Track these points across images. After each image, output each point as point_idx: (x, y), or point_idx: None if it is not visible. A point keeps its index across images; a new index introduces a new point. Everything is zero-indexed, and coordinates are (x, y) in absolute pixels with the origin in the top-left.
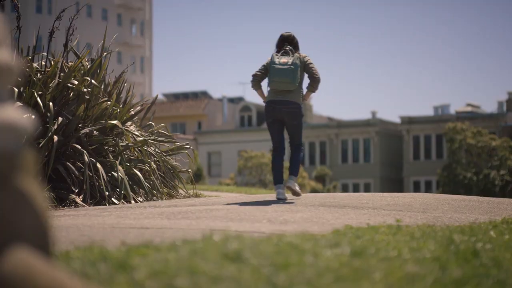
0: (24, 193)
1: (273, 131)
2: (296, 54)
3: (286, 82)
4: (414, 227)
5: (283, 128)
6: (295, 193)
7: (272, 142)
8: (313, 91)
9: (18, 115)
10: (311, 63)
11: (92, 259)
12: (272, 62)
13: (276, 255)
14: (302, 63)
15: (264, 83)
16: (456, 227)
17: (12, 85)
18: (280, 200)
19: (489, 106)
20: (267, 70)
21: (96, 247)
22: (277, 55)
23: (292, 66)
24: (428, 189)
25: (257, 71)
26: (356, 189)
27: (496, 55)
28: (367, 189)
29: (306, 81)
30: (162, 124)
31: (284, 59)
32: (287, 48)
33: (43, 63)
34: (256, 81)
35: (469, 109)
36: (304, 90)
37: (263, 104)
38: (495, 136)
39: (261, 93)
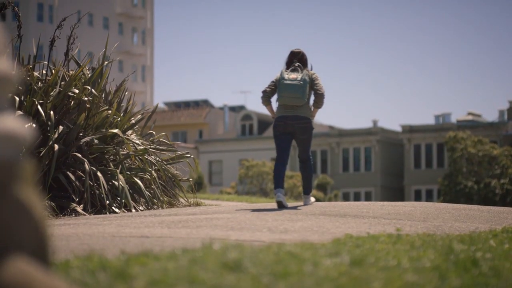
0: (23, 203)
1: (280, 143)
2: (305, 71)
3: (296, 97)
4: (414, 236)
5: (291, 141)
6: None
7: (277, 152)
8: (319, 107)
9: (17, 124)
10: (316, 79)
11: (91, 268)
12: (281, 78)
13: (276, 264)
14: (310, 80)
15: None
16: (456, 236)
17: (12, 94)
18: (280, 204)
19: (490, 115)
20: (276, 86)
21: (96, 256)
22: (286, 71)
23: (301, 82)
24: (429, 198)
25: (267, 87)
26: (357, 197)
27: (498, 64)
28: (368, 197)
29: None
30: (163, 133)
31: (293, 75)
32: (296, 64)
33: (44, 71)
34: (266, 97)
35: (470, 117)
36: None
37: (266, 114)
38: (496, 145)
39: (270, 109)
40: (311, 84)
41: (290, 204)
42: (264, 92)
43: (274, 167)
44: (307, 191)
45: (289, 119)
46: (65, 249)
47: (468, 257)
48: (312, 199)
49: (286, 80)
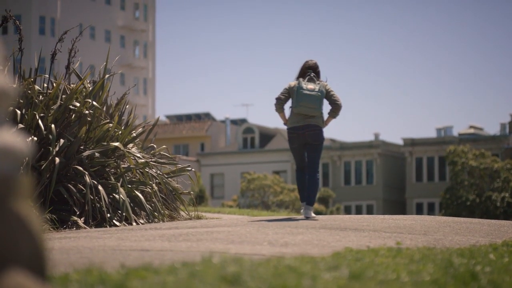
0: (20, 217)
1: (298, 155)
2: (321, 82)
3: (313, 107)
4: (414, 249)
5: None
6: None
7: (296, 163)
8: (334, 117)
9: (15, 138)
10: (332, 91)
11: (90, 282)
12: (299, 87)
13: (274, 278)
14: (326, 91)
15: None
16: (456, 250)
17: (13, 107)
18: (307, 218)
19: (491, 128)
20: (289, 94)
21: (95, 270)
22: (303, 80)
23: (319, 93)
24: (431, 211)
25: (281, 95)
26: (358, 211)
27: (499, 78)
28: (369, 211)
29: (325, 107)
30: (164, 146)
31: (311, 86)
32: (311, 75)
33: (45, 85)
34: (280, 104)
35: (471, 131)
36: (325, 116)
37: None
38: (497, 158)
39: (283, 116)
40: (327, 96)
41: (292, 216)
42: (278, 99)
43: (296, 177)
44: (310, 203)
45: (301, 129)
46: (65, 262)
47: (467, 271)
48: (313, 215)
49: (304, 90)
